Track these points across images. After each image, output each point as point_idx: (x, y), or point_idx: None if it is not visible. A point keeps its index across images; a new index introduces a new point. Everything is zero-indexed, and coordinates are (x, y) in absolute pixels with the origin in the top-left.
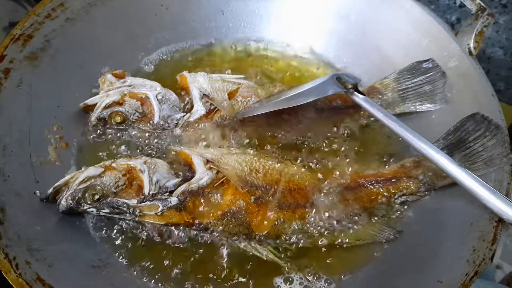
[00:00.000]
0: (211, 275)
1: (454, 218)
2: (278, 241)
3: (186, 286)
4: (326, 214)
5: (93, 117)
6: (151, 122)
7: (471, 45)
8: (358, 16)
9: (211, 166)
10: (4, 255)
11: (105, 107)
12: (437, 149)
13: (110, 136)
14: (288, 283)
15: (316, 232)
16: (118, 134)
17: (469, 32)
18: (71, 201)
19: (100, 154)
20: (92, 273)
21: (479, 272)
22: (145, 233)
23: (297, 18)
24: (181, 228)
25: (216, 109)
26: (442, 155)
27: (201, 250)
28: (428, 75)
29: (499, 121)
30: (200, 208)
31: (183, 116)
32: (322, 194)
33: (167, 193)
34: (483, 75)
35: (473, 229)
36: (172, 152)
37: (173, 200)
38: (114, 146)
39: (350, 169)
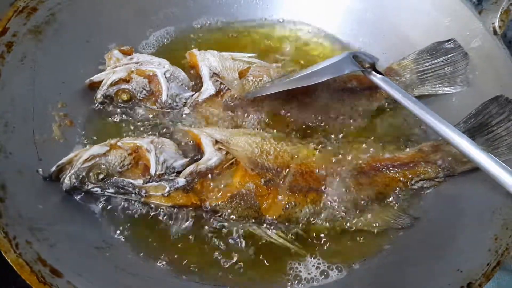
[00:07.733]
0: (221, 259)
1: (474, 205)
2: (289, 225)
3: (193, 268)
4: (339, 199)
5: (99, 94)
6: (158, 100)
7: (496, 24)
8: None
9: (220, 147)
10: (4, 234)
11: (112, 84)
12: (459, 132)
13: (116, 114)
14: (303, 267)
15: (328, 217)
16: (125, 112)
17: (494, 10)
18: (74, 180)
19: (106, 132)
20: (95, 254)
21: (501, 262)
22: (151, 215)
23: None
24: (188, 210)
25: (226, 88)
26: (464, 138)
27: (210, 233)
28: (449, 56)
29: None
30: (208, 190)
31: (192, 95)
32: (336, 178)
33: (174, 174)
34: (508, 55)
35: (495, 216)
36: (180, 132)
37: (181, 181)
38: (120, 125)
39: (364, 153)
